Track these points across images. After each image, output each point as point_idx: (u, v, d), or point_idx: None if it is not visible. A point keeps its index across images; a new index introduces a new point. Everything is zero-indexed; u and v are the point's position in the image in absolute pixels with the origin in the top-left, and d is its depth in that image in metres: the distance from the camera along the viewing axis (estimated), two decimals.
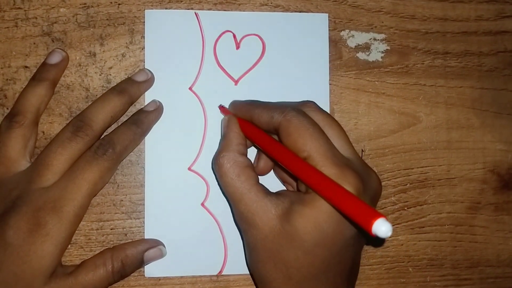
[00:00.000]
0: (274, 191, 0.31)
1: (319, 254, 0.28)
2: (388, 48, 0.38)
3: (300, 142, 0.28)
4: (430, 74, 0.38)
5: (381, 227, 0.22)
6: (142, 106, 0.35)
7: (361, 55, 0.37)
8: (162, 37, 0.36)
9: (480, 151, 0.38)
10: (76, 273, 0.31)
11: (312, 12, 0.37)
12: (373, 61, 0.37)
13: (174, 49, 0.36)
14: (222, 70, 0.36)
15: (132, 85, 0.34)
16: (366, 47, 0.37)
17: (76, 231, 0.35)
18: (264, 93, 0.36)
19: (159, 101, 0.35)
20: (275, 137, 0.31)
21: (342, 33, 0.37)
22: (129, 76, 0.35)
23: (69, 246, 0.35)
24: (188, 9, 0.36)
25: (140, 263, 0.33)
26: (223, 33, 0.36)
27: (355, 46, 0.37)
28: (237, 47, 0.36)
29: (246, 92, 0.36)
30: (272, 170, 0.35)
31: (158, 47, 0.36)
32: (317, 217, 0.27)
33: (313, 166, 0.27)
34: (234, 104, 0.34)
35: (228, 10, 0.36)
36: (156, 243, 0.34)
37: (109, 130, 0.34)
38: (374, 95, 0.37)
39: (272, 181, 0.35)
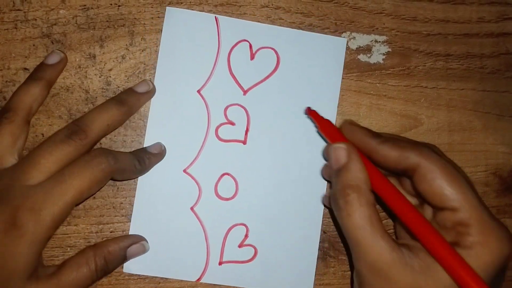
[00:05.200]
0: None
1: None
2: (390, 50, 0.37)
3: (449, 190, 0.27)
4: (431, 76, 0.38)
5: None
6: (145, 109, 0.35)
7: (362, 57, 0.37)
8: (178, 36, 0.35)
9: (482, 154, 0.38)
10: (58, 274, 0.30)
11: (313, 15, 0.37)
12: (374, 63, 0.37)
13: (189, 49, 0.36)
14: (233, 78, 0.36)
15: (133, 96, 0.34)
16: (367, 49, 0.37)
17: (76, 234, 0.35)
18: (271, 107, 0.36)
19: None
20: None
21: (344, 35, 0.37)
22: (130, 77, 0.35)
23: (68, 248, 0.34)
24: (189, 9, 0.36)
25: (123, 259, 0.33)
26: (240, 41, 0.36)
27: (357, 48, 0.37)
28: (252, 58, 0.36)
29: (253, 103, 0.36)
30: None
31: (173, 45, 0.35)
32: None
33: (439, 235, 0.26)
34: (352, 127, 0.31)
35: (229, 12, 0.36)
36: (138, 239, 0.34)
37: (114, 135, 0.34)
38: (375, 97, 0.37)
39: None
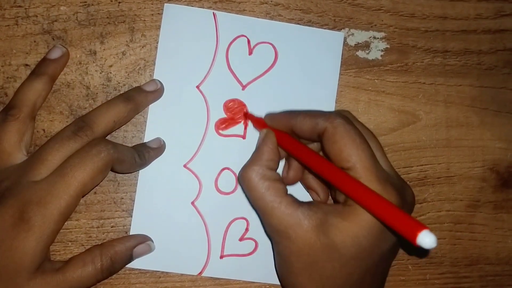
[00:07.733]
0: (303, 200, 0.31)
1: (356, 266, 0.28)
2: (388, 46, 0.38)
3: (346, 152, 0.28)
4: (429, 73, 0.38)
5: (426, 239, 0.23)
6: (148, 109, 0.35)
7: (360, 54, 0.37)
8: (177, 32, 0.36)
9: (479, 149, 0.38)
10: (64, 270, 0.31)
11: (312, 12, 0.37)
12: (372, 59, 0.38)
13: (187, 45, 0.36)
14: (232, 73, 0.36)
15: (140, 94, 0.34)
16: (365, 46, 0.37)
17: (77, 229, 0.35)
18: (269, 102, 0.36)
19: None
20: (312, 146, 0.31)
21: (342, 31, 0.37)
22: (130, 74, 0.35)
23: (69, 243, 0.35)
24: (189, 6, 0.36)
25: (129, 259, 0.33)
26: (238, 37, 0.36)
27: (355, 44, 0.37)
28: (250, 53, 0.36)
29: (252, 98, 0.36)
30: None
31: (172, 41, 0.36)
32: (356, 232, 0.28)
33: (358, 180, 0.27)
34: (271, 116, 0.34)
35: (228, 8, 0.36)
36: (144, 239, 0.34)
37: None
38: (373, 93, 0.38)
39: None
